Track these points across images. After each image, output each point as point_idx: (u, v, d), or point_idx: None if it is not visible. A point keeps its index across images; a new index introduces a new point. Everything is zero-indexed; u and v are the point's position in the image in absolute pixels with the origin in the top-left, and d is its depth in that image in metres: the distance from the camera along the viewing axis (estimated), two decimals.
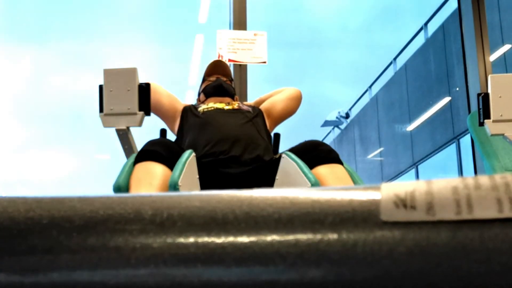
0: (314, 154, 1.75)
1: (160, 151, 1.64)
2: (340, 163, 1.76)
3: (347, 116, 12.47)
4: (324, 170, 1.72)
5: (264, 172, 1.87)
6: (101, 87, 1.72)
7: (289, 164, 1.74)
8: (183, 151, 1.75)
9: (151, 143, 1.70)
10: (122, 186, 1.57)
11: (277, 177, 1.85)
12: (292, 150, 1.83)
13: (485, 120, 1.88)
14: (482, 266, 0.32)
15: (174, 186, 1.54)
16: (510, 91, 1.85)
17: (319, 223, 0.34)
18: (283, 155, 1.82)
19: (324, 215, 0.35)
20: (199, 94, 2.36)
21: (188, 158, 1.67)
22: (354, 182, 1.72)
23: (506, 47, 6.55)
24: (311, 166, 1.72)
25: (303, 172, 1.64)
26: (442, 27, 8.33)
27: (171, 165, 1.63)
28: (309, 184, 1.59)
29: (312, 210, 0.35)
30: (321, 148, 1.78)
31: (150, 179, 1.58)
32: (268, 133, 2.19)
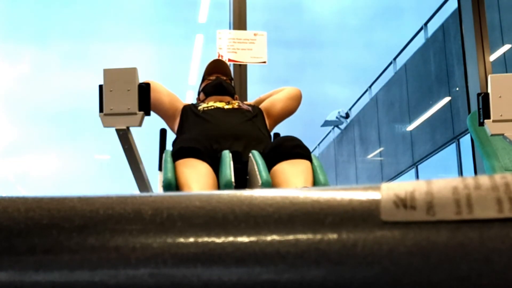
0: (279, 150, 1.77)
1: (199, 148, 1.67)
2: (305, 158, 1.75)
3: (347, 116, 12.46)
4: (284, 166, 1.73)
5: (246, 171, 1.88)
6: (101, 87, 1.72)
7: (252, 163, 1.76)
8: (212, 148, 1.77)
9: (186, 140, 1.73)
10: (172, 183, 1.60)
11: (247, 176, 1.86)
12: (266, 148, 1.85)
13: (485, 120, 1.88)
14: (482, 266, 0.32)
15: (229, 185, 1.56)
16: (510, 91, 1.85)
17: (319, 223, 0.34)
18: (250, 154, 1.83)
19: (324, 215, 0.35)
20: (199, 93, 2.36)
21: (230, 157, 1.71)
22: (316, 177, 1.72)
23: (506, 47, 6.55)
24: (275, 162, 1.73)
25: (258, 170, 1.66)
26: (442, 27, 8.33)
27: (209, 162, 1.66)
28: (260, 183, 1.61)
29: (312, 210, 0.35)
30: (286, 144, 1.79)
31: (200, 177, 1.62)
32: (268, 132, 2.19)
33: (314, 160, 1.78)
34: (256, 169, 1.67)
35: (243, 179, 1.85)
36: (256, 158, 1.73)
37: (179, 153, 1.66)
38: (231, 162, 1.69)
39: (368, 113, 11.29)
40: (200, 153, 1.66)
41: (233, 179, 1.59)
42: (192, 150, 1.66)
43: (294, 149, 1.76)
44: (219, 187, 1.67)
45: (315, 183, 1.71)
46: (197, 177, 1.60)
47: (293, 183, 1.65)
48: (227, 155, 1.71)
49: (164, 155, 1.74)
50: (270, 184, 1.63)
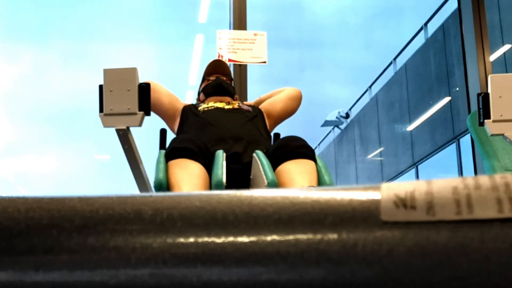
0: (283, 150, 1.77)
1: (192, 148, 1.67)
2: (309, 158, 1.76)
3: (347, 116, 12.46)
4: (289, 166, 1.73)
5: (246, 172, 1.88)
6: (101, 87, 1.72)
7: (256, 163, 1.76)
8: (207, 148, 1.77)
9: (180, 140, 1.72)
10: (163, 183, 1.59)
11: (251, 176, 1.86)
12: (269, 148, 1.85)
13: (485, 120, 1.87)
14: (482, 266, 0.32)
15: (220, 185, 1.55)
16: (510, 91, 1.85)
17: (319, 223, 0.34)
18: (254, 154, 1.83)
19: (324, 215, 0.35)
20: (199, 94, 2.36)
21: (223, 157, 1.70)
22: (321, 177, 1.72)
23: (506, 47, 6.55)
24: (280, 162, 1.73)
25: (264, 170, 1.65)
26: (442, 27, 8.33)
27: (203, 162, 1.66)
28: (266, 182, 1.60)
29: (312, 210, 0.35)
30: (290, 144, 1.79)
31: (191, 178, 1.61)
32: (268, 132, 2.19)
33: (319, 161, 1.78)
34: (261, 169, 1.67)
35: (245, 180, 1.85)
36: (260, 158, 1.73)
37: (171, 153, 1.66)
38: (224, 162, 1.68)
39: (368, 113, 11.29)
40: (193, 153, 1.66)
41: (224, 180, 1.59)
42: (184, 150, 1.66)
43: (299, 149, 1.76)
44: (211, 187, 1.66)
45: (320, 183, 1.71)
46: (187, 178, 1.60)
47: (298, 182, 1.65)
48: (220, 155, 1.71)
49: (158, 155, 1.74)
50: (276, 184, 1.62)
